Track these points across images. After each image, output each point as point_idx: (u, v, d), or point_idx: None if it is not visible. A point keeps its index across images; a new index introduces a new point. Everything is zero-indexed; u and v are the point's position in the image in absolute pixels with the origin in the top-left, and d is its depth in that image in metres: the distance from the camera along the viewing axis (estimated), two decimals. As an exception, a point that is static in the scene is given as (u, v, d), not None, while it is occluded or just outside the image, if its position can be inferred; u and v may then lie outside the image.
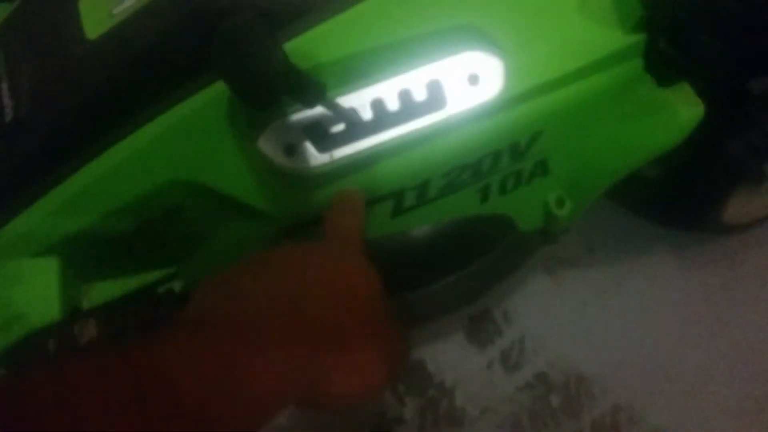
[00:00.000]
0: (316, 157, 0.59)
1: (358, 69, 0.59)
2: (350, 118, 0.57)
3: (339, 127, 0.59)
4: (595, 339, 1.14)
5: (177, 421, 0.30)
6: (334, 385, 0.39)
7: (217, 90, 0.57)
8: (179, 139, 0.59)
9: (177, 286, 0.75)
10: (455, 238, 0.86)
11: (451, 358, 1.13)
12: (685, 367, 1.11)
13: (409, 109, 0.60)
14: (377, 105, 0.59)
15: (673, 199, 1.10)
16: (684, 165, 0.96)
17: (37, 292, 0.60)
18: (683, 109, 0.67)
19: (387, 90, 0.59)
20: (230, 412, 0.33)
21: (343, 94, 0.59)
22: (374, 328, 0.42)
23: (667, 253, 1.21)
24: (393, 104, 0.59)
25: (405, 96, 0.59)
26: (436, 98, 0.60)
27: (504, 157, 0.67)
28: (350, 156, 0.59)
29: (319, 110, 0.56)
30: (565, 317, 1.16)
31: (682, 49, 0.62)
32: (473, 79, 0.60)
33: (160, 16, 0.56)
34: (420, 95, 0.60)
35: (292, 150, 0.58)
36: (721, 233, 1.18)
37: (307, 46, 0.58)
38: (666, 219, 1.21)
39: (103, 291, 0.70)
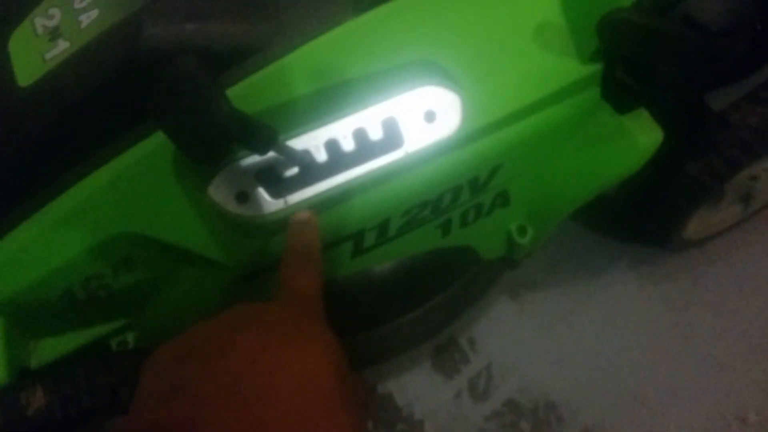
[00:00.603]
0: (269, 203, 0.56)
1: (311, 109, 0.57)
2: (304, 161, 0.55)
3: (292, 171, 0.56)
4: (562, 362, 1.13)
5: None
6: None
7: (163, 137, 0.54)
8: (124, 190, 0.56)
9: (131, 337, 0.71)
10: (418, 271, 0.84)
11: (418, 389, 1.11)
12: (652, 386, 1.11)
13: (365, 149, 0.57)
14: (332, 146, 0.57)
15: (634, 218, 1.10)
16: (645, 186, 0.96)
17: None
18: (642, 136, 0.67)
19: (341, 130, 0.57)
20: None
21: (295, 136, 0.56)
22: (336, 410, 0.39)
23: (628, 270, 1.21)
24: (348, 144, 0.57)
25: (360, 135, 0.57)
26: (392, 137, 0.58)
27: (464, 192, 0.66)
28: (306, 201, 0.56)
29: (271, 154, 0.53)
30: (531, 341, 1.14)
31: (639, 78, 0.61)
32: (430, 116, 0.58)
33: (96, 62, 0.53)
34: (376, 134, 0.57)
35: (245, 197, 0.56)
36: (682, 249, 1.18)
37: (257, 88, 0.56)
38: (626, 236, 1.21)
39: (53, 347, 0.67)
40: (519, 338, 1.15)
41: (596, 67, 0.62)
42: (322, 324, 0.43)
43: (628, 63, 0.61)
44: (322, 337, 0.41)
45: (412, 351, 1.07)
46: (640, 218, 1.07)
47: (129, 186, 0.56)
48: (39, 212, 0.57)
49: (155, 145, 0.55)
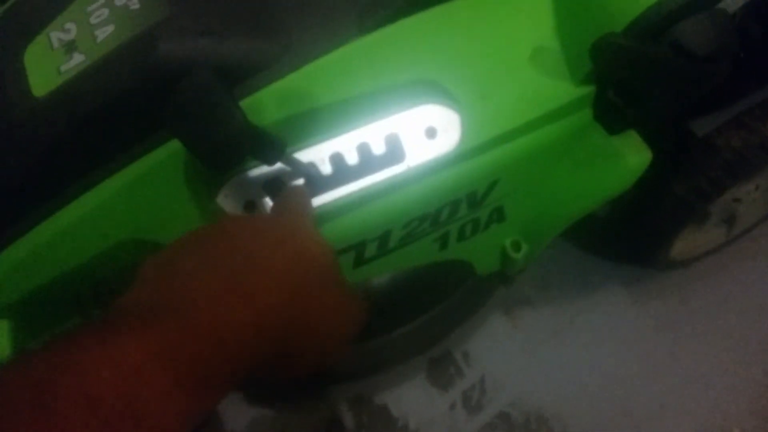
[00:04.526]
0: (276, 212, 0.58)
1: (317, 123, 0.59)
2: (310, 173, 0.57)
3: (299, 182, 0.59)
4: (553, 376, 1.15)
5: None
6: (295, 347, 0.38)
7: (174, 147, 0.56)
8: (135, 197, 0.58)
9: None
10: (416, 284, 0.86)
11: (413, 401, 1.13)
12: (640, 401, 1.13)
13: (368, 162, 0.60)
14: (336, 159, 0.59)
15: (622, 237, 1.13)
16: (633, 206, 0.99)
17: (-13, 355, 0.58)
18: (631, 156, 0.69)
19: (346, 144, 0.60)
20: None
21: (302, 148, 0.59)
22: (328, 289, 0.40)
23: (618, 288, 1.23)
24: (352, 158, 0.59)
25: (364, 149, 0.60)
26: (394, 151, 0.60)
27: (462, 207, 0.68)
28: (311, 211, 0.59)
29: (278, 165, 0.56)
30: (523, 356, 1.17)
31: (629, 101, 0.64)
32: (431, 132, 0.61)
33: (111, 74, 0.55)
34: (379, 149, 0.60)
35: (252, 206, 0.58)
36: (669, 268, 1.21)
37: (266, 102, 0.58)
38: (616, 256, 1.24)
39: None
40: (512, 353, 1.17)
41: (588, 90, 0.64)
42: (314, 230, 0.44)
43: (619, 86, 0.63)
44: (312, 230, 0.43)
45: (407, 364, 1.09)
46: (629, 237, 1.09)
47: (139, 194, 0.58)
48: (51, 218, 0.59)
49: (165, 154, 0.57)
